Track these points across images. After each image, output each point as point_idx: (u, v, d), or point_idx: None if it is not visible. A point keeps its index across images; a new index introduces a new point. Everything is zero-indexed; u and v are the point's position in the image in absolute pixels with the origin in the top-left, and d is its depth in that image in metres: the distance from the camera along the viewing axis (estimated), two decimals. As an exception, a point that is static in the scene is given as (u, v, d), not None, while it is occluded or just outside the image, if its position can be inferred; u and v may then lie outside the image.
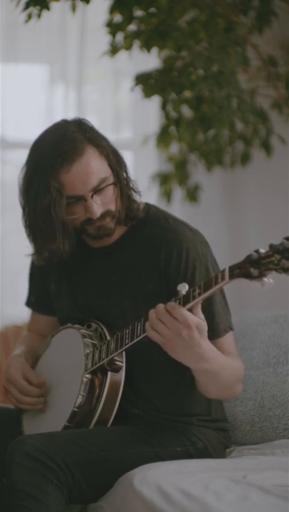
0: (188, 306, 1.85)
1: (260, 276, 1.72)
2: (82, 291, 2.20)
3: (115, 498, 1.93)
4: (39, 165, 2.05)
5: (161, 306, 1.87)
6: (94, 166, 2.04)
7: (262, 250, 1.72)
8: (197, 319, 1.85)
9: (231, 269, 1.77)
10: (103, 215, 2.07)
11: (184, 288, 1.86)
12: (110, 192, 2.07)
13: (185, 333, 1.84)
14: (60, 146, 2.03)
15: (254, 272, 1.72)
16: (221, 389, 2.04)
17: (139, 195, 2.16)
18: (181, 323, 1.84)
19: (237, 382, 2.07)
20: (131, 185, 2.14)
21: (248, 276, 1.73)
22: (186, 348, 1.87)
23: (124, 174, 2.12)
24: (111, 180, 2.07)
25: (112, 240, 2.16)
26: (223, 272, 1.78)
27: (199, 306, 1.87)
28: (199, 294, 1.84)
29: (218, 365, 1.95)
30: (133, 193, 2.14)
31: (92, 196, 2.04)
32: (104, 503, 1.96)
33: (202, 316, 1.87)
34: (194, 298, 1.84)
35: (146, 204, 2.19)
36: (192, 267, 2.07)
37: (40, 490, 1.87)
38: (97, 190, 2.04)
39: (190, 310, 1.86)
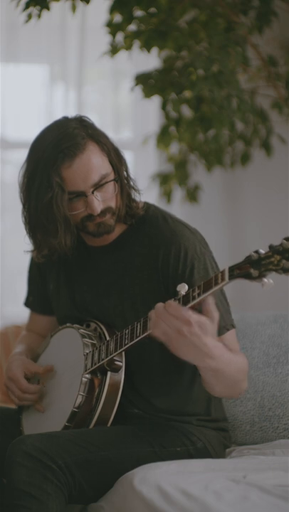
0: (189, 306, 1.85)
1: (260, 276, 1.71)
2: (81, 290, 2.20)
3: (115, 498, 1.93)
4: (41, 161, 2.05)
5: (160, 304, 1.86)
6: (95, 162, 2.04)
7: (262, 251, 1.72)
8: (197, 316, 1.82)
9: (231, 269, 1.76)
10: (103, 212, 2.07)
11: (183, 288, 1.86)
12: (111, 188, 2.08)
13: (186, 330, 1.81)
14: (62, 142, 2.03)
15: (254, 272, 1.71)
16: (227, 386, 2.01)
17: (139, 194, 2.16)
18: (180, 320, 1.82)
19: (243, 379, 2.03)
20: (131, 183, 2.14)
21: (248, 276, 1.73)
22: (189, 346, 1.83)
23: (125, 172, 2.12)
24: (112, 176, 2.08)
25: (110, 239, 2.16)
26: (222, 272, 1.78)
27: (207, 303, 1.84)
28: (199, 295, 1.83)
29: (224, 362, 1.91)
30: (133, 191, 2.14)
31: (92, 192, 2.04)
32: (104, 503, 1.96)
33: (214, 313, 1.84)
34: (194, 298, 1.84)
35: (146, 203, 2.20)
36: (190, 265, 2.07)
37: (41, 490, 1.87)
38: (98, 186, 2.05)
39: (195, 308, 1.85)
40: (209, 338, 1.85)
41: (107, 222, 2.09)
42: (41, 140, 2.09)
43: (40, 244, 2.12)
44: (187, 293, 1.85)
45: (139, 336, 1.96)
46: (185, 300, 1.85)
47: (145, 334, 1.94)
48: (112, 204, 2.09)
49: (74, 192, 2.05)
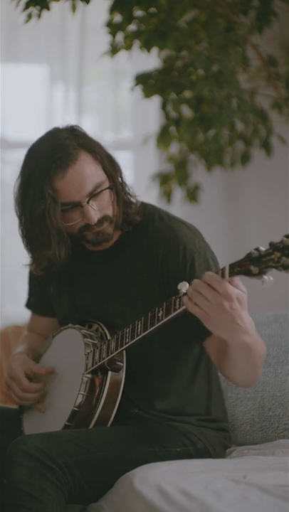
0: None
1: (260, 274, 1.70)
2: (82, 293, 2.20)
3: (115, 498, 1.93)
4: (33, 174, 2.05)
5: (197, 280, 1.79)
6: (88, 171, 2.04)
7: (262, 248, 1.72)
8: (237, 290, 1.78)
9: (231, 266, 1.76)
10: (101, 221, 2.07)
11: (184, 286, 1.85)
12: (106, 196, 2.07)
13: (227, 305, 1.76)
14: (54, 153, 2.03)
15: (254, 269, 1.71)
16: (252, 367, 1.95)
17: (135, 200, 2.15)
18: (221, 294, 1.76)
19: (263, 360, 1.98)
20: (127, 189, 2.14)
21: (248, 273, 1.72)
22: (229, 321, 1.78)
23: (120, 179, 2.12)
24: (106, 184, 2.07)
25: (110, 243, 2.16)
26: (223, 269, 1.78)
27: (235, 280, 1.79)
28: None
29: (255, 339, 1.87)
30: (129, 197, 2.14)
31: (88, 202, 2.04)
32: (105, 503, 1.96)
33: (242, 287, 1.81)
34: None
35: (142, 203, 2.19)
36: (191, 259, 2.06)
37: (41, 490, 1.87)
38: (93, 195, 2.04)
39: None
40: (245, 312, 1.81)
41: (106, 230, 2.09)
42: (34, 151, 2.09)
43: (37, 258, 2.11)
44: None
45: (140, 334, 1.95)
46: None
47: (145, 333, 1.94)
48: (109, 212, 2.09)
49: (69, 203, 2.04)
